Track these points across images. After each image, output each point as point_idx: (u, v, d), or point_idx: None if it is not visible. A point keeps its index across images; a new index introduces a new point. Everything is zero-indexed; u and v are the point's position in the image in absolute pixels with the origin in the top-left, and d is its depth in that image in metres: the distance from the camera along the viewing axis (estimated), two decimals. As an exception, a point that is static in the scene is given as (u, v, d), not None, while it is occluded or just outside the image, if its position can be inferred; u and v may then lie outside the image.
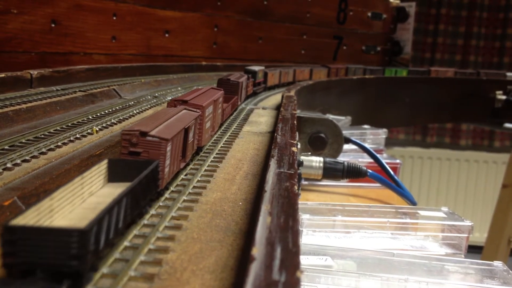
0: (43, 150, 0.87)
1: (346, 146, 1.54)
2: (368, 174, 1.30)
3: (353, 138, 1.55)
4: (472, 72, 3.92)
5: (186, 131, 0.78)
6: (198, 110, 0.87)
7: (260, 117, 1.47)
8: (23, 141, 0.91)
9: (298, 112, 1.42)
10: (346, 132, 1.56)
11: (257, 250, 0.43)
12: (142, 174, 0.57)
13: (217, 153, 0.97)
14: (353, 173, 1.26)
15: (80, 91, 1.53)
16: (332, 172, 1.23)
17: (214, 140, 1.08)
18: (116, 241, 0.52)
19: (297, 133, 1.04)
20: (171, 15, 2.66)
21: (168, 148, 0.66)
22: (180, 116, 0.79)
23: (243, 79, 1.56)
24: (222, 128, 1.22)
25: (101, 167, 0.61)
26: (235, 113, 1.46)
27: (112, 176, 0.62)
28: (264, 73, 2.09)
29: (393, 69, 3.16)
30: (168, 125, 0.71)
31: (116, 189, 0.58)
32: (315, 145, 1.43)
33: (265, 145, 1.09)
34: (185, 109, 0.85)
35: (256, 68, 1.92)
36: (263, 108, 1.66)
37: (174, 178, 0.76)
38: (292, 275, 0.39)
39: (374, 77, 3.49)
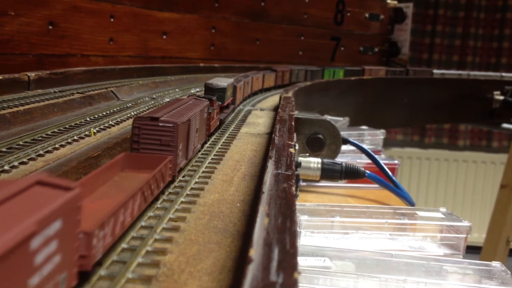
0: (41, 152, 0.87)
1: (344, 147, 1.54)
2: (366, 175, 1.30)
3: (351, 139, 1.55)
4: (401, 70, 3.90)
5: None
6: None
7: (258, 118, 1.47)
8: (21, 143, 0.91)
9: (296, 113, 1.42)
10: (344, 133, 1.56)
11: (255, 252, 0.42)
12: None
13: (215, 155, 0.97)
14: (351, 174, 1.26)
15: (77, 93, 1.52)
16: (330, 173, 1.23)
17: (212, 141, 1.08)
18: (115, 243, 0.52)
19: (295, 134, 1.04)
20: (168, 17, 2.66)
21: None
22: None
23: (194, 114, 0.85)
24: (219, 130, 1.22)
25: None
26: (232, 115, 1.45)
27: None
28: (233, 88, 1.43)
29: (331, 70, 3.14)
30: None
31: None
32: (313, 146, 1.43)
33: (263, 146, 1.09)
34: None
35: (224, 82, 1.27)
36: (261, 110, 1.66)
37: (172, 180, 0.74)
38: (289, 276, 0.39)
39: (372, 78, 3.50)
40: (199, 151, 0.98)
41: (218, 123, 1.17)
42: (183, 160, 0.80)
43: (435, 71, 4.06)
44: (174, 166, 0.73)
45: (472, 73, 4.13)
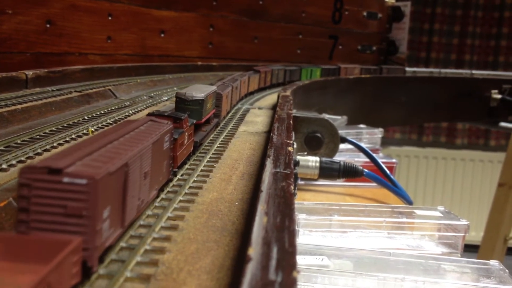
0: (39, 150, 0.87)
1: (342, 146, 1.54)
2: (364, 173, 1.30)
3: (349, 138, 1.55)
4: (375, 68, 3.91)
5: None
6: None
7: (256, 117, 1.47)
8: (19, 142, 0.91)
9: (294, 112, 1.42)
10: (342, 132, 1.56)
11: (254, 250, 0.42)
12: None
13: (213, 153, 0.97)
14: (349, 172, 1.26)
15: (75, 91, 1.52)
16: (329, 171, 1.23)
17: (210, 140, 1.08)
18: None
19: (293, 133, 1.04)
20: (166, 15, 2.65)
21: None
22: None
23: (139, 151, 0.54)
24: (218, 128, 1.22)
25: None
26: (230, 113, 1.45)
27: None
28: (216, 98, 1.16)
29: (308, 68, 3.11)
30: None
31: None
32: (311, 145, 1.43)
33: (261, 145, 1.09)
34: None
35: (202, 91, 0.99)
36: (259, 108, 1.65)
37: (170, 178, 0.73)
38: (288, 275, 0.39)
39: (370, 77, 3.50)
40: (158, 196, 0.68)
41: (191, 149, 0.87)
42: (115, 232, 0.49)
43: (407, 69, 4.09)
44: (88, 254, 0.42)
45: (443, 70, 4.18)
